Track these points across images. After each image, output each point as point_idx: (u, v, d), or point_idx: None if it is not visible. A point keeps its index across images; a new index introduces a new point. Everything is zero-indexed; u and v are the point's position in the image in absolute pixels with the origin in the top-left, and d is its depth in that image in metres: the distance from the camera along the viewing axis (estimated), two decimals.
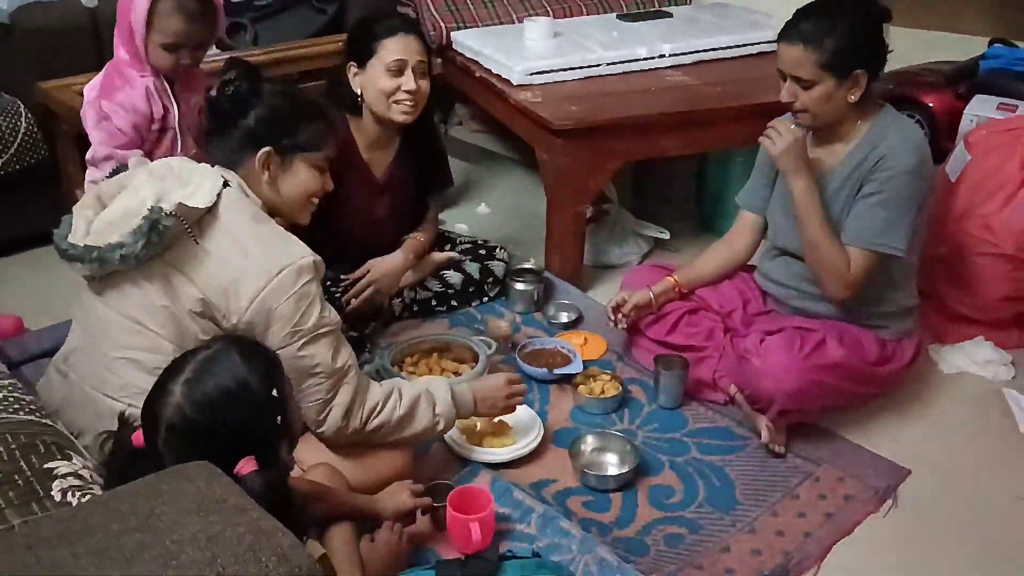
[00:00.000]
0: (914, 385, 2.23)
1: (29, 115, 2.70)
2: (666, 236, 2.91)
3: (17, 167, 2.69)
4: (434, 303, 2.50)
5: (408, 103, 2.25)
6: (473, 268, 2.55)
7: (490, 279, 2.57)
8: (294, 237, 1.63)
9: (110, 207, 1.58)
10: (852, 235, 1.93)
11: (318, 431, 1.64)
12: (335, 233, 2.17)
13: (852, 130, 1.96)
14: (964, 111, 3.20)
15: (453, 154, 3.53)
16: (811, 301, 2.06)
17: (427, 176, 2.50)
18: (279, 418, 1.23)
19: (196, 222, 1.54)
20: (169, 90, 2.22)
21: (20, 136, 2.67)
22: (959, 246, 2.36)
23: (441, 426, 1.74)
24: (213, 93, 1.70)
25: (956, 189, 2.41)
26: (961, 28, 3.84)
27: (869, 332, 2.03)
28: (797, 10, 1.93)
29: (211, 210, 1.55)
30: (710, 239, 2.44)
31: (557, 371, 2.19)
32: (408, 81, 2.22)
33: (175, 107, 2.23)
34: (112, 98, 2.14)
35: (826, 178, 1.99)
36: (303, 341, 1.56)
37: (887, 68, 4.03)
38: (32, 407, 1.39)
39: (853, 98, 1.89)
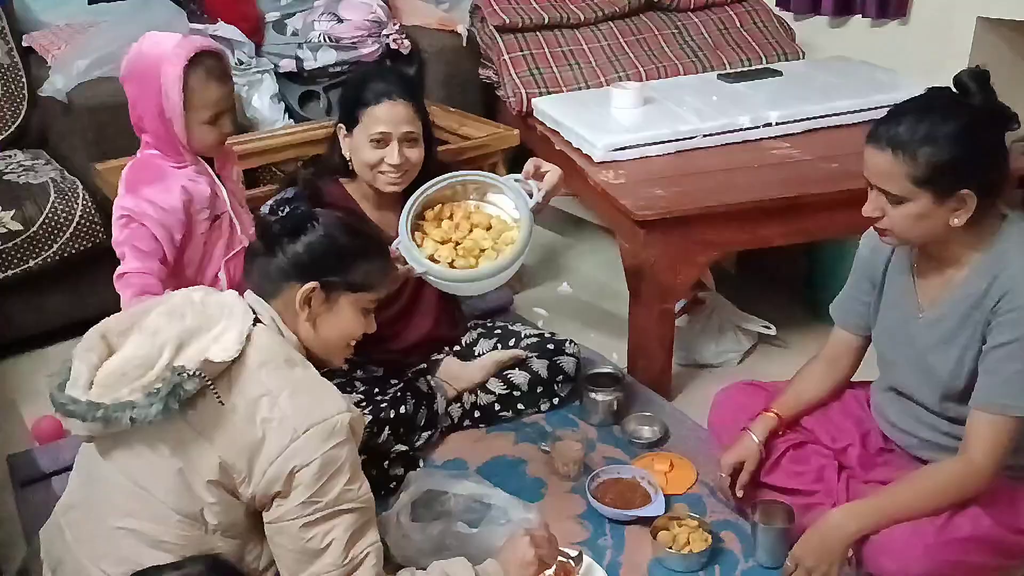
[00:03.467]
0: None
1: (87, 197, 2.59)
2: (772, 331, 2.55)
3: (73, 251, 2.58)
4: (497, 407, 2.22)
5: (393, 175, 2.04)
6: (540, 366, 2.24)
7: (560, 378, 2.25)
8: (332, 388, 1.41)
9: (120, 351, 1.38)
10: (983, 397, 1.54)
11: None
12: None
13: (964, 254, 1.58)
14: None
15: (536, 221, 3.28)
16: (939, 452, 1.67)
17: None
18: None
19: (222, 374, 1.34)
20: (211, 170, 2.02)
21: (76, 219, 2.56)
22: None
23: None
24: (266, 209, 1.49)
25: None
26: None
27: (1021, 487, 1.63)
28: (894, 105, 1.55)
29: (238, 358, 1.35)
30: (822, 331, 2.03)
31: (633, 512, 1.87)
32: (392, 155, 2.01)
33: (223, 188, 2.04)
34: (138, 193, 1.93)
35: (939, 313, 1.62)
36: (319, 515, 1.34)
37: None
38: None
39: (957, 221, 1.50)
